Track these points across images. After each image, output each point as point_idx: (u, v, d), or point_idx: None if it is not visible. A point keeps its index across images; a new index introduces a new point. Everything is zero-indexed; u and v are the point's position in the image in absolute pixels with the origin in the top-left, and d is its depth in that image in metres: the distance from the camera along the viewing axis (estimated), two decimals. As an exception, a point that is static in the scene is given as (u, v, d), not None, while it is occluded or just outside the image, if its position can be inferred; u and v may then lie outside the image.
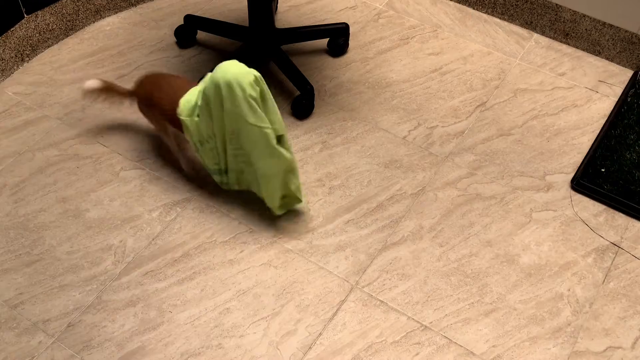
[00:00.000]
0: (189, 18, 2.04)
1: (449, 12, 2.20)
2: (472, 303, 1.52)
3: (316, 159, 1.79)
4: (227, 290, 1.51)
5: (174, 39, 2.07)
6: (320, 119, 1.88)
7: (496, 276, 1.56)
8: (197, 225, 1.62)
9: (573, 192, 1.73)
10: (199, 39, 2.08)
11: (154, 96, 1.58)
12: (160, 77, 1.62)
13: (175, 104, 1.53)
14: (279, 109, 1.89)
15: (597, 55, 2.05)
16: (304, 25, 2.06)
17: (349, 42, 2.08)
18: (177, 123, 1.56)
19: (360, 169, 1.77)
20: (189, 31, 2.05)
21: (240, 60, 1.96)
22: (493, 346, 1.45)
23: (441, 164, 1.79)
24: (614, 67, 2.02)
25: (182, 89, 1.55)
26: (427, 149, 1.82)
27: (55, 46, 2.06)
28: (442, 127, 1.87)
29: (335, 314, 1.49)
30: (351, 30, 2.11)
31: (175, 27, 2.07)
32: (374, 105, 1.92)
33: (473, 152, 1.82)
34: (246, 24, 1.97)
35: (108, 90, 1.68)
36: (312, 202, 1.69)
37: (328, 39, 2.05)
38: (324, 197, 1.70)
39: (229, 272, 1.54)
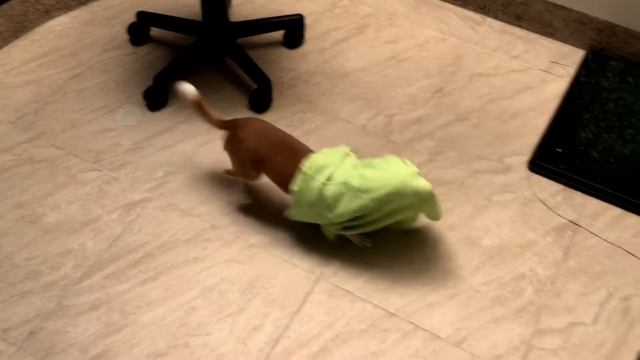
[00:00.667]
0: (141, 15, 2.01)
1: (403, 0, 2.21)
2: (436, 288, 1.53)
3: (276, 152, 1.78)
4: (191, 288, 1.50)
5: (127, 37, 2.03)
6: (279, 111, 1.88)
7: (459, 259, 1.58)
8: (158, 224, 1.60)
9: (531, 173, 1.75)
10: (152, 35, 2.04)
11: (270, 156, 1.48)
12: (280, 135, 1.51)
13: (294, 170, 1.46)
14: (237, 103, 1.89)
15: (549, 37, 2.08)
16: (258, 17, 2.04)
17: (305, 33, 2.07)
18: (286, 185, 1.49)
19: (321, 160, 1.76)
20: (141, 28, 2.02)
21: (195, 56, 1.95)
22: (458, 329, 1.47)
23: (401, 151, 1.80)
24: (566, 48, 2.05)
25: (303, 154, 1.47)
26: (386, 137, 1.82)
27: (5, 48, 2.00)
28: (401, 114, 1.88)
29: (301, 306, 1.49)
30: (307, 21, 2.10)
31: (128, 24, 2.03)
32: (332, 96, 1.92)
33: (432, 138, 1.83)
34: (200, 18, 1.94)
35: (198, 108, 1.52)
36: (274, 196, 1.68)
37: (284, 30, 2.04)
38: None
39: (193, 270, 1.53)
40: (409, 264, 1.57)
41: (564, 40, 2.06)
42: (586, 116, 1.84)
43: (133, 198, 1.65)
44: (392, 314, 1.49)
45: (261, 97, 1.85)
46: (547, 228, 1.64)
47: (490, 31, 2.11)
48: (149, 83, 1.85)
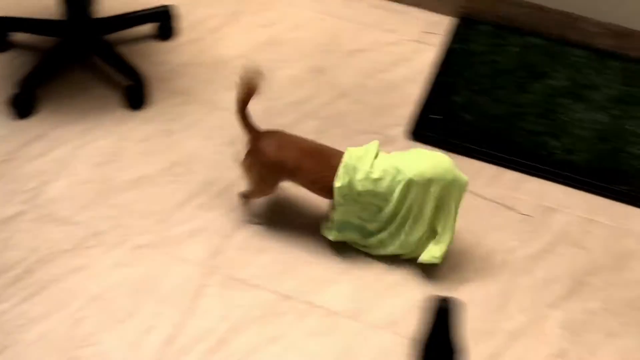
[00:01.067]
0: (-1, 20, 1.90)
1: (276, -18, 2.20)
2: (330, 264, 1.55)
3: (158, 148, 1.73)
4: (76, 299, 1.44)
5: (-14, 44, 1.92)
6: (158, 107, 1.83)
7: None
8: (35, 237, 1.53)
9: (412, 142, 1.80)
10: (14, 40, 1.93)
11: (300, 165, 1.46)
12: (304, 143, 1.50)
13: (334, 171, 1.44)
14: (111, 101, 1.82)
15: (420, 7, 2.13)
16: (124, 12, 1.97)
17: (178, 23, 2.02)
18: (327, 190, 1.46)
19: (206, 151, 1.74)
20: (0, 34, 1.91)
21: (61, 57, 1.86)
22: (353, 301, 1.49)
23: (285, 134, 1.79)
24: (436, 17, 2.10)
25: (335, 156, 1.46)
26: (271, 121, 1.80)
27: None
28: (283, 97, 1.88)
29: (195, 301, 1.47)
30: (179, 10, 2.04)
31: (-15, 31, 1.91)
32: (212, 85, 1.89)
33: (316, 117, 1.84)
34: (63, 17, 1.85)
35: (244, 116, 1.48)
36: (159, 192, 1.64)
37: (156, 23, 1.98)
38: (171, 186, 1.66)
39: (77, 280, 1.47)
40: (301, 245, 1.57)
41: (434, 9, 2.11)
42: (459, 81, 1.90)
43: (6, 213, 1.56)
44: (287, 297, 1.49)
45: (135, 93, 1.80)
46: (431, 193, 1.69)
47: (365, 7, 2.13)
48: (15, 90, 1.75)
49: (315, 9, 2.12)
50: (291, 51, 1.99)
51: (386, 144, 1.78)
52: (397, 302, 1.49)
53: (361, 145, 1.76)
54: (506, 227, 1.64)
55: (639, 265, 1.59)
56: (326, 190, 1.47)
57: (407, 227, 1.47)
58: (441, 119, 1.81)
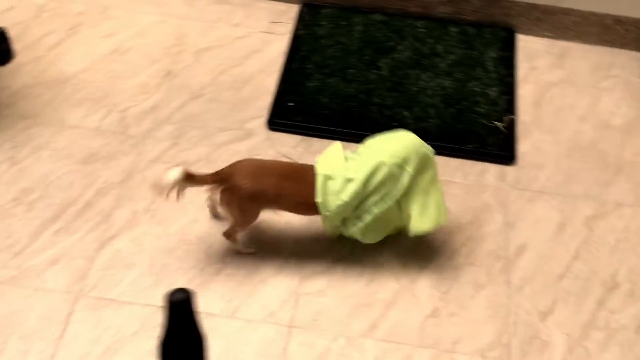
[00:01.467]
0: None
1: (114, -10, 2.13)
2: (202, 268, 1.53)
3: (5, 178, 1.65)
4: None
5: None
6: (1, 134, 1.73)
7: (217, 235, 1.58)
8: None
9: (271, 132, 1.80)
10: None
11: (281, 190, 1.42)
12: (277, 165, 1.52)
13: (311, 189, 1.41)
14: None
15: (264, -2, 2.14)
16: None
17: (13, 45, 1.91)
18: (311, 208, 1.43)
19: (58, 173, 1.67)
20: None
21: None
22: (229, 300, 1.48)
23: (142, 143, 1.75)
24: (282, 6, 2.12)
25: (309, 172, 1.43)
26: (124, 133, 1.76)
27: None
28: (134, 106, 1.83)
29: (64, 330, 1.41)
30: (12, 32, 1.93)
31: None
32: (57, 104, 1.81)
33: (171, 122, 1.81)
34: None
35: (189, 180, 1.39)
36: (12, 224, 1.56)
37: (-13, 48, 1.87)
38: (24, 215, 1.58)
39: None
40: (168, 254, 1.55)
41: (278, -2, 2.13)
42: (309, 66, 1.93)
43: None
44: (161, 308, 1.46)
45: (-28, 124, 1.69)
46: (295, 180, 1.71)
47: (208, 4, 2.11)
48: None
49: (156, 12, 2.07)
50: (137, 58, 1.94)
51: (247, 137, 1.79)
52: (271, 294, 1.50)
53: (222, 143, 1.77)
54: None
55: (495, 217, 1.68)
56: (312, 208, 1.44)
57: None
58: (295, 106, 1.83)
